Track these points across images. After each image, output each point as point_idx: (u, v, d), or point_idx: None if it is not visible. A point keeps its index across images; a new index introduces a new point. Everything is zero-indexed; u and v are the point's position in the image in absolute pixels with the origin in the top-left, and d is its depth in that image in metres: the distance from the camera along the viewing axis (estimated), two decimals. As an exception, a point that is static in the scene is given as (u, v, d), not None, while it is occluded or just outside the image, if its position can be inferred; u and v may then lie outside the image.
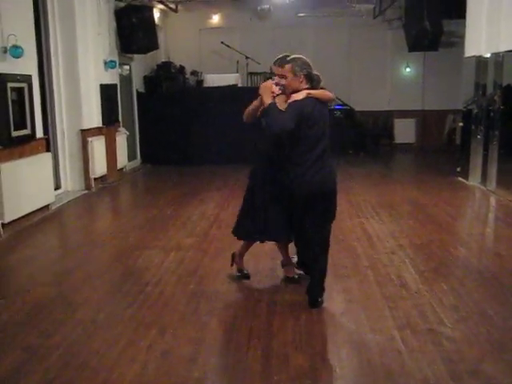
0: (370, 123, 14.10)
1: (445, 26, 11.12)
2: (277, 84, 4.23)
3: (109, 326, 3.98)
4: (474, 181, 9.16)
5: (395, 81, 14.18)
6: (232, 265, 4.88)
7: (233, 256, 4.89)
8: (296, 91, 4.15)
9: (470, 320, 3.98)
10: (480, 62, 8.87)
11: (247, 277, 4.81)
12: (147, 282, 4.81)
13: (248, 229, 4.66)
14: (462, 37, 11.87)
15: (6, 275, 5.25)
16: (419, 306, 4.23)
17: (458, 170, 9.76)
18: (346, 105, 13.67)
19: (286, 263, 4.84)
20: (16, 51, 6.42)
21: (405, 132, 14.36)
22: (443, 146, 13.74)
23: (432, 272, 5.02)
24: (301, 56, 4.30)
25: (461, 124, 10.00)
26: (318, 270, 4.32)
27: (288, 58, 4.25)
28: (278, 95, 4.21)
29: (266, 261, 5.26)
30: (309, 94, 4.13)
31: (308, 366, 3.35)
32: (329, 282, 4.72)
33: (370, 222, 6.74)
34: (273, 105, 4.08)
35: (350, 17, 13.24)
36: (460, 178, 9.53)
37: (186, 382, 3.20)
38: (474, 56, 8.94)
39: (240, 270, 4.86)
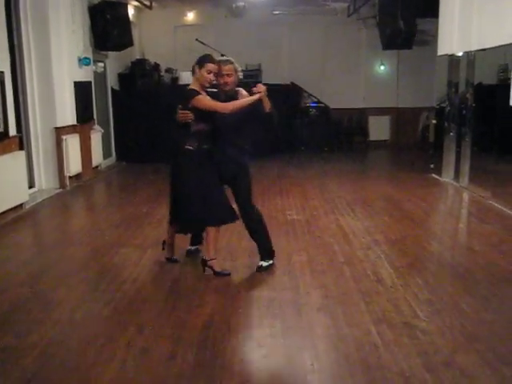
0: (344, 121, 14.22)
1: (418, 24, 11.24)
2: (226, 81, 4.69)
3: (86, 324, 3.96)
4: (447, 177, 9.31)
5: (370, 78, 14.31)
6: (163, 249, 5.23)
7: (163, 243, 5.26)
8: (233, 89, 4.73)
9: (443, 313, 4.06)
10: (452, 60, 9.00)
11: (175, 261, 5.20)
12: (124, 279, 4.80)
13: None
14: (435, 35, 12.05)
15: (-19, 275, 5.19)
16: (394, 300, 4.29)
17: (432, 166, 9.91)
18: (321, 102, 13.79)
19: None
20: (-12, 48, 6.34)
21: (379, 129, 14.52)
22: (417, 143, 13.94)
23: (407, 267, 5.09)
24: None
25: (434, 121, 10.14)
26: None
27: (228, 58, 4.73)
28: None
29: (244, 258, 5.29)
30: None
31: (286, 361, 3.39)
32: (305, 278, 4.81)
33: (345, 219, 6.80)
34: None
35: (325, 15, 13.34)
36: (433, 175, 9.68)
37: (166, 379, 3.21)
38: (446, 54, 9.07)
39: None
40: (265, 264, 4.99)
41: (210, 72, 4.58)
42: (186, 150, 4.70)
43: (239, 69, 4.75)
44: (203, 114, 4.58)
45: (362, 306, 4.19)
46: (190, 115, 4.58)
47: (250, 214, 5.00)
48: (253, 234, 5.09)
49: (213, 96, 4.69)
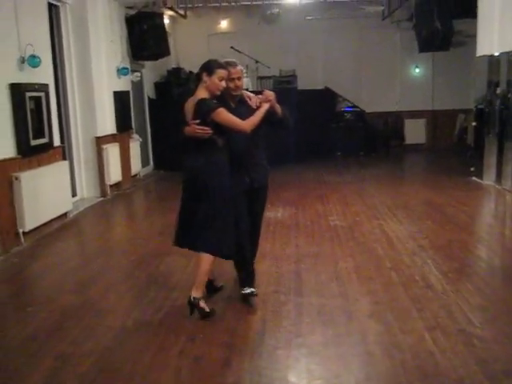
0: (380, 124, 14.10)
1: (454, 25, 11.11)
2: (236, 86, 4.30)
3: (138, 332, 3.99)
4: (488, 180, 9.14)
5: (404, 81, 14.18)
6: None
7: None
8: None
9: (498, 319, 3.98)
10: (492, 60, 8.85)
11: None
12: (172, 287, 4.83)
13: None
14: (470, 36, 11.91)
15: (32, 283, 5.29)
16: (446, 306, 4.23)
17: (472, 169, 9.73)
18: (356, 106, 13.72)
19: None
20: (34, 61, 6.47)
21: (415, 132, 14.34)
22: (454, 146, 13.73)
23: (456, 272, 5.01)
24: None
25: (474, 123, 9.96)
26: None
27: (234, 61, 4.35)
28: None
29: (290, 265, 5.29)
30: None
31: (343, 367, 3.36)
32: (353, 284, 4.77)
33: (388, 224, 6.73)
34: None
35: (359, 19, 13.27)
36: (474, 178, 9.52)
37: (222, 386, 3.22)
38: (485, 55, 8.92)
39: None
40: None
41: (221, 79, 4.13)
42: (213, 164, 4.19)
43: (244, 70, 4.49)
44: (219, 128, 4.11)
45: (413, 312, 4.14)
46: (208, 130, 4.06)
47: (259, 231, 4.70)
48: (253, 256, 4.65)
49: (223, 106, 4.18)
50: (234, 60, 4.36)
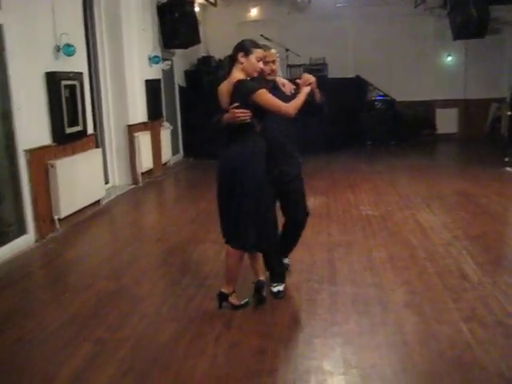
0: (411, 114, 13.91)
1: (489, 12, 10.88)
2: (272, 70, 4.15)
3: (174, 318, 4.03)
4: (523, 171, 8.99)
5: (436, 70, 13.93)
6: None
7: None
8: None
9: (537, 312, 3.92)
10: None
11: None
12: (206, 275, 4.86)
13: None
14: (506, 23, 11.71)
15: (68, 269, 5.38)
16: (483, 298, 4.17)
17: (507, 159, 9.57)
18: (387, 95, 13.55)
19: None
20: (69, 49, 6.53)
21: (446, 122, 14.11)
22: (486, 136, 13.48)
23: (491, 264, 4.94)
24: None
25: (509, 112, 9.77)
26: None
27: (267, 44, 4.21)
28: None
29: (323, 253, 5.28)
30: None
31: (379, 357, 3.35)
32: (388, 274, 4.74)
33: (421, 214, 6.67)
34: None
35: (391, 6, 13.06)
36: (508, 168, 9.34)
37: (258, 373, 3.23)
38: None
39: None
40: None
41: (259, 59, 3.89)
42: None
43: (277, 54, 4.23)
44: (259, 112, 3.88)
45: (449, 303, 4.10)
46: (248, 113, 3.81)
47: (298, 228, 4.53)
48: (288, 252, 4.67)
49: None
50: (267, 43, 4.23)
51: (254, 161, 3.93)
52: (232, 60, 3.96)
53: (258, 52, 3.89)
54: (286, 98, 3.99)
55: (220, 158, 4.07)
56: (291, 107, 3.87)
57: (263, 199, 3.98)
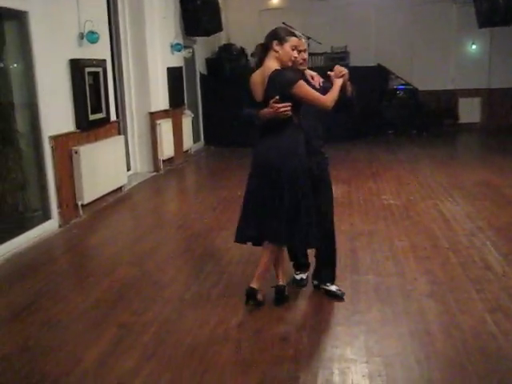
0: (433, 103, 13.77)
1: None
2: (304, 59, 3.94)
3: (197, 304, 4.06)
4: (548, 161, 8.86)
5: (460, 59, 13.75)
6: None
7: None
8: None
9: None
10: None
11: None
12: (229, 262, 4.89)
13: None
14: (532, 11, 11.47)
15: (91, 254, 5.45)
16: (508, 289, 4.14)
17: (531, 150, 9.45)
18: (409, 84, 13.42)
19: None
20: (92, 37, 6.57)
21: (469, 111, 13.93)
22: (510, 126, 13.30)
23: (516, 255, 4.90)
24: None
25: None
26: None
27: (298, 32, 3.94)
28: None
29: (345, 243, 5.26)
30: None
31: (402, 346, 3.35)
32: (410, 263, 4.72)
33: (444, 204, 6.62)
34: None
35: (413, -7, 12.92)
36: (533, 159, 9.24)
37: (282, 359, 3.25)
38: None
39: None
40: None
41: (294, 48, 3.74)
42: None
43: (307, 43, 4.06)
44: (297, 103, 3.72)
45: (473, 293, 4.07)
46: (289, 107, 3.65)
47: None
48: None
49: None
50: (297, 31, 3.97)
51: (293, 155, 3.76)
52: (265, 48, 3.77)
53: (293, 40, 3.74)
54: (316, 91, 3.80)
55: (257, 153, 3.89)
56: (329, 99, 3.69)
57: (303, 193, 3.80)
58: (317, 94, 3.72)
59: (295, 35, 3.81)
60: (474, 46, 13.68)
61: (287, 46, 3.72)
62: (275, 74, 3.68)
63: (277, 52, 3.72)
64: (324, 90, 3.81)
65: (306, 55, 3.94)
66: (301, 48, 3.86)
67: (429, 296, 4.06)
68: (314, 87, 3.85)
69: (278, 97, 3.62)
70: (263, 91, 3.73)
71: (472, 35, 13.26)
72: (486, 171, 8.65)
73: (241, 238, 4.09)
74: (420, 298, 4.04)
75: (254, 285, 3.91)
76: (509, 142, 11.71)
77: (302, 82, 3.69)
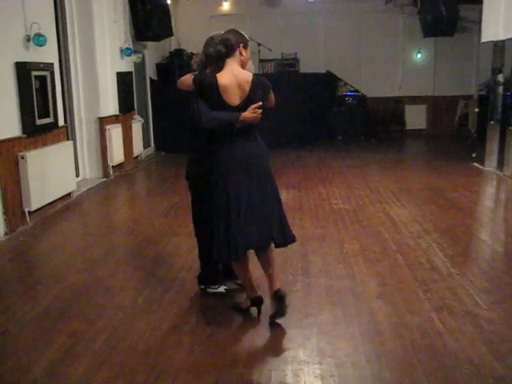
0: (381, 109, 14.10)
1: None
2: None
3: (149, 310, 4.04)
4: (489, 166, 9.17)
5: (406, 67, 14.12)
6: None
7: None
8: None
9: (504, 302, 4.03)
10: (497, 46, 8.85)
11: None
12: (181, 267, 4.88)
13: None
14: (473, 22, 11.92)
15: (40, 262, 5.32)
16: (453, 288, 4.28)
17: (474, 155, 9.77)
18: (357, 91, 13.70)
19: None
20: (39, 40, 6.44)
21: (416, 118, 14.32)
22: (454, 132, 13.74)
23: (460, 256, 5.07)
24: None
25: (476, 109, 9.98)
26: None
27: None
28: None
29: (296, 246, 5.32)
30: None
31: (353, 346, 3.42)
32: (360, 266, 4.82)
33: (392, 208, 6.78)
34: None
35: (361, 3, 13.21)
36: (476, 164, 9.55)
37: (235, 363, 3.26)
38: (491, 41, 8.92)
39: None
40: None
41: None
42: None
43: None
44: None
45: (420, 293, 4.20)
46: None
47: None
48: None
49: None
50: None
51: (267, 149, 3.83)
52: (229, 51, 3.66)
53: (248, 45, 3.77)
54: None
55: (232, 152, 3.68)
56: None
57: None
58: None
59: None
60: (419, 55, 14.08)
61: (248, 51, 3.76)
62: (257, 78, 3.68)
63: (242, 56, 3.69)
64: None
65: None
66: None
67: (378, 297, 4.15)
68: None
69: (261, 103, 3.63)
70: (243, 95, 3.63)
71: (418, 44, 13.66)
72: (431, 176, 8.91)
73: (239, 252, 3.68)
74: (370, 299, 4.13)
75: (278, 285, 3.77)
76: (453, 147, 12.09)
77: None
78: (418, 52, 14.02)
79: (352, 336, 3.56)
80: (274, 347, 3.46)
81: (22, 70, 6.27)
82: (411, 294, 4.20)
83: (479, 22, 9.53)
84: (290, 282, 4.45)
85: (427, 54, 14.01)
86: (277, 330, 3.66)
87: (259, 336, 3.60)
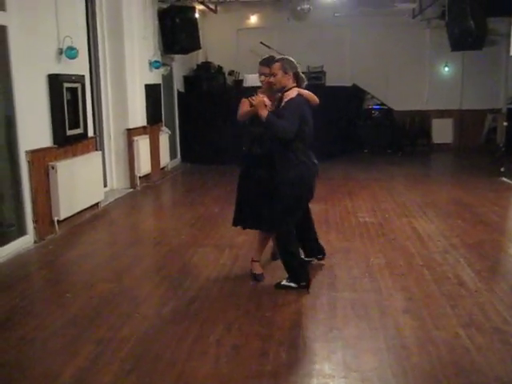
0: (407, 123, 14.03)
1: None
2: (267, 82, 4.68)
3: (175, 320, 4.06)
4: (519, 181, 9.07)
5: (433, 80, 14.03)
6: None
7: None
8: (283, 88, 4.55)
9: (534, 319, 3.98)
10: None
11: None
12: (206, 278, 4.91)
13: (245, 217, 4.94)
14: (502, 35, 11.81)
15: (68, 271, 5.40)
16: (480, 304, 4.23)
17: (502, 169, 9.66)
18: (384, 104, 13.66)
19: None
20: (71, 53, 6.58)
21: (442, 132, 14.22)
22: (481, 147, 13.59)
23: (488, 271, 5.01)
24: (288, 56, 4.68)
25: (505, 123, 9.88)
26: None
27: (276, 58, 4.66)
28: (262, 91, 4.75)
29: (322, 259, 5.31)
30: (300, 92, 4.54)
31: (379, 361, 3.40)
32: (386, 280, 4.79)
33: (418, 222, 6.73)
34: (271, 115, 4.43)
35: (388, 16, 13.18)
36: (504, 179, 9.44)
37: (260, 375, 3.27)
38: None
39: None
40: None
41: (260, 74, 4.77)
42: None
43: (288, 66, 4.49)
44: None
45: (447, 309, 4.16)
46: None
47: None
48: None
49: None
50: (273, 57, 4.74)
51: None
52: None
53: (259, 68, 4.80)
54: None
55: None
56: (238, 115, 4.85)
57: None
58: (239, 111, 4.76)
59: (262, 64, 4.72)
60: (446, 68, 13.99)
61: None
62: None
63: None
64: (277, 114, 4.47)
65: (273, 78, 4.53)
66: (261, 72, 4.74)
67: (404, 312, 4.12)
68: None
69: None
70: None
71: (445, 57, 13.56)
72: (458, 190, 8.82)
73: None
74: (396, 313, 4.10)
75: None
76: (480, 162, 11.95)
77: (242, 100, 4.73)
78: (446, 65, 13.92)
79: (378, 350, 3.54)
80: (300, 360, 3.46)
81: (55, 82, 6.40)
82: (438, 308, 4.17)
83: (508, 35, 9.44)
84: (315, 296, 4.45)
85: (455, 67, 13.91)
86: (303, 344, 3.65)
87: (284, 348, 3.59)
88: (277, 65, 4.51)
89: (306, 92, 4.59)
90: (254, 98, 4.50)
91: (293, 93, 4.50)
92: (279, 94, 4.62)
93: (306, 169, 4.55)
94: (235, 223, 5.05)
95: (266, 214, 4.71)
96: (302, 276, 4.62)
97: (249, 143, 4.82)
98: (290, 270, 4.63)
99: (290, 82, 4.53)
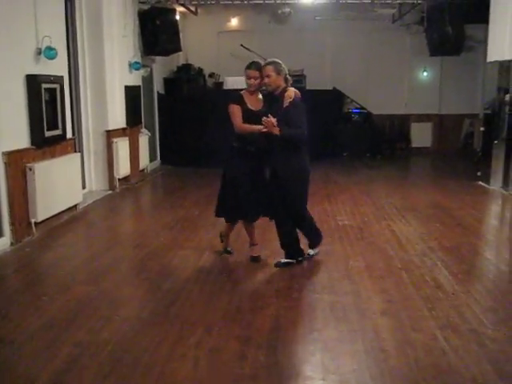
0: (386, 127, 14.15)
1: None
2: (258, 84, 5.07)
3: (154, 323, 4.04)
4: (495, 185, 9.17)
5: (412, 85, 14.18)
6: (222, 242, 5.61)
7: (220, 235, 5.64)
8: (278, 88, 4.98)
9: (509, 322, 4.03)
10: (503, 66, 8.90)
11: (229, 252, 5.58)
12: (186, 280, 4.89)
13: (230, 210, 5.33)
14: (480, 41, 11.99)
15: (45, 273, 5.35)
16: (457, 307, 4.28)
17: (479, 174, 9.78)
18: (364, 108, 13.76)
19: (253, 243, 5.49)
20: (50, 53, 6.51)
21: (421, 136, 14.37)
22: (459, 151, 13.77)
23: (465, 274, 5.08)
24: (277, 59, 5.08)
25: (482, 128, 10.02)
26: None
27: (267, 61, 5.06)
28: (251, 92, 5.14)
29: (301, 262, 5.34)
30: (296, 92, 4.99)
31: (357, 363, 3.42)
32: (365, 283, 4.83)
33: (397, 225, 6.79)
34: (285, 130, 4.85)
35: (369, 21, 13.29)
36: (481, 182, 9.56)
37: (239, 378, 3.27)
38: (496, 61, 8.97)
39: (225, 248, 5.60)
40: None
41: (249, 77, 5.04)
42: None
43: (281, 68, 4.98)
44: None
45: (425, 311, 4.20)
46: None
47: None
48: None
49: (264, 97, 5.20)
50: (265, 60, 5.13)
51: None
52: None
53: (246, 72, 5.07)
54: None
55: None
56: (238, 127, 5.11)
57: None
58: (233, 118, 5.07)
59: (250, 68, 5.01)
60: (425, 73, 14.14)
61: (246, 77, 5.10)
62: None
63: None
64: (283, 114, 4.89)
65: (268, 79, 4.93)
66: (251, 75, 5.03)
67: (383, 314, 4.15)
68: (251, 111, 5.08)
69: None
70: None
71: (424, 62, 13.72)
72: (437, 193, 8.92)
73: None
74: (374, 316, 4.13)
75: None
76: (458, 166, 12.11)
77: (231, 106, 5.06)
78: (424, 70, 14.08)
79: (356, 352, 3.56)
80: (279, 363, 3.46)
81: (33, 83, 6.33)
82: (416, 311, 4.21)
83: (485, 42, 9.58)
84: (295, 298, 4.46)
85: (433, 72, 14.08)
86: (282, 346, 3.66)
87: (263, 351, 3.59)
88: (270, 67, 4.94)
89: (297, 91, 5.01)
90: (264, 120, 4.81)
91: (291, 94, 4.91)
92: (275, 94, 5.01)
93: (306, 158, 5.25)
94: (218, 214, 5.46)
95: (266, 202, 5.21)
96: (297, 252, 5.25)
97: (241, 141, 5.11)
98: (289, 248, 5.22)
99: (282, 82, 4.99)
